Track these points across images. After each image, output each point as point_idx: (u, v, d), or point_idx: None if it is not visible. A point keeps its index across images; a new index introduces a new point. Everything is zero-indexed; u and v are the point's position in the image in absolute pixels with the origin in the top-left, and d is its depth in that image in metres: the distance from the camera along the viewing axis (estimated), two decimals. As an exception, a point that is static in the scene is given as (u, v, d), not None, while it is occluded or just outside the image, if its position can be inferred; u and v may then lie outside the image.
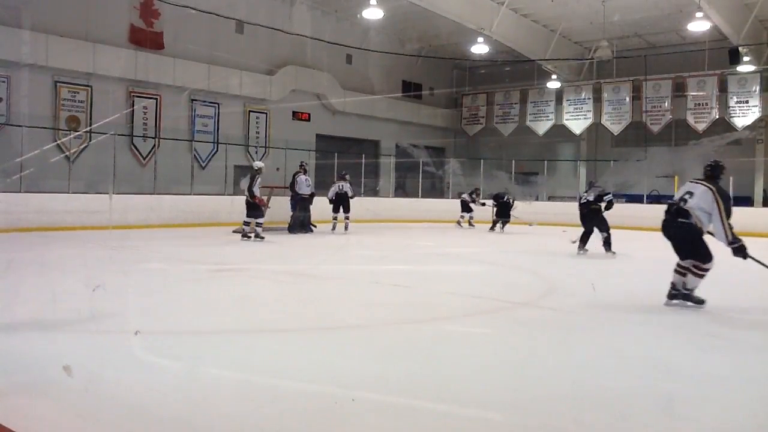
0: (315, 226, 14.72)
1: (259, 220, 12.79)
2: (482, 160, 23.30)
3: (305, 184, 14.34)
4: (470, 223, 18.83)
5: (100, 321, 5.15)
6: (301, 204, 14.39)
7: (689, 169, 23.49)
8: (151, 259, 9.83)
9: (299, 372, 4.01)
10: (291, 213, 14.48)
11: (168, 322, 5.38)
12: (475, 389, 3.78)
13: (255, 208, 12.74)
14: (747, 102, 21.78)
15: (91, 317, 5.26)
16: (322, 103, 23.12)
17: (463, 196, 19.00)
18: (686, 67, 22.83)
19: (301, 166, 14.81)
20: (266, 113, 21.41)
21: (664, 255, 9.45)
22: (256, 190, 12.73)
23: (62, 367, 3.73)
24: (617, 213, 19.15)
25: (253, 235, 12.62)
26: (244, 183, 13.01)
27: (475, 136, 28.36)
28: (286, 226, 14.42)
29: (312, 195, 14.57)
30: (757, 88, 21.62)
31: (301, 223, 14.42)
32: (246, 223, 12.81)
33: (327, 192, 15.43)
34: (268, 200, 14.66)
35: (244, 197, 12.88)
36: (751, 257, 5.94)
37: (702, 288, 6.32)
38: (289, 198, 14.59)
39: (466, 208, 18.76)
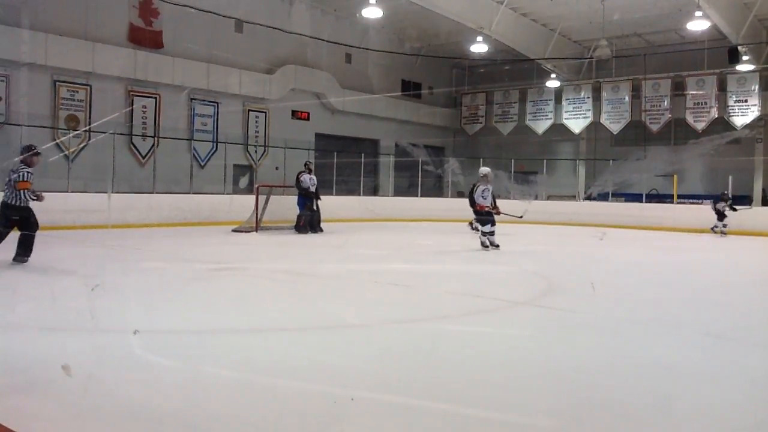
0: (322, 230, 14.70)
1: (485, 228, 11.60)
2: (481, 159, 23.25)
3: (310, 182, 14.43)
4: (722, 232, 16.94)
5: (99, 320, 5.14)
6: (308, 204, 14.43)
7: (689, 168, 23.64)
8: (150, 258, 9.82)
9: (298, 371, 4.01)
10: (298, 212, 14.48)
11: (167, 322, 5.37)
12: (475, 388, 3.77)
13: (482, 215, 11.62)
14: (746, 101, 21.77)
15: (90, 316, 5.25)
16: (322, 102, 23.10)
17: (718, 206, 17.28)
18: (685, 66, 22.83)
19: (306, 165, 14.85)
20: (265, 112, 21.39)
21: (664, 254, 9.46)
22: (479, 198, 11.53)
23: (61, 367, 3.73)
24: (616, 212, 19.29)
25: (488, 244, 11.86)
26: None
27: (474, 135, 28.35)
28: (291, 225, 14.40)
29: (317, 192, 14.58)
30: (756, 87, 21.61)
31: (309, 223, 14.42)
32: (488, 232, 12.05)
33: (332, 191, 15.44)
34: (267, 200, 14.65)
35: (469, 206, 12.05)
36: None
37: (703, 288, 6.32)
38: (297, 197, 14.59)
39: (721, 216, 17.25)
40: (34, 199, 8.01)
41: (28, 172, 7.92)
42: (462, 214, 20.79)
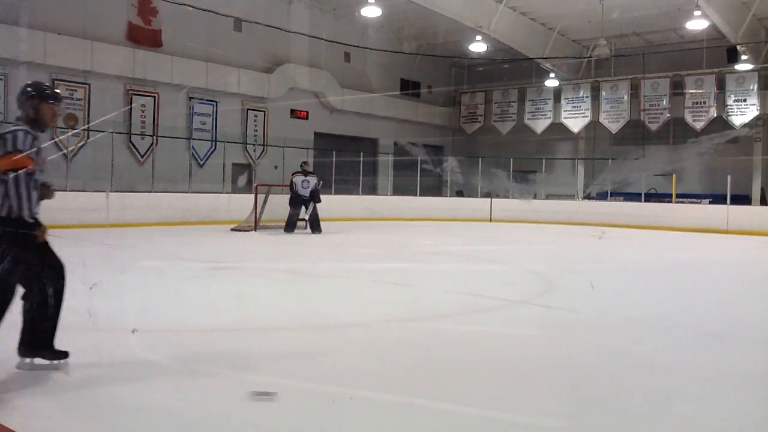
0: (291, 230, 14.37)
1: None
2: (480, 159, 23.29)
3: (301, 186, 14.04)
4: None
5: (98, 319, 5.13)
6: (295, 203, 14.16)
7: (687, 167, 23.73)
8: (148, 258, 9.81)
9: (297, 370, 4.00)
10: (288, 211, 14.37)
11: (165, 321, 5.37)
12: (473, 387, 3.77)
13: None
14: (745, 100, 21.79)
15: (89, 315, 5.24)
16: (320, 101, 23.09)
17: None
18: (684, 65, 22.84)
19: (301, 166, 14.44)
20: (264, 111, 21.37)
21: (662, 253, 9.47)
22: None
23: (59, 365, 3.72)
24: (615, 211, 19.29)
25: None
26: None
27: (473, 134, 28.36)
28: (283, 225, 14.34)
29: (313, 194, 14.14)
30: (755, 87, 21.63)
31: (291, 222, 14.17)
32: None
33: (331, 190, 15.12)
34: (266, 199, 14.60)
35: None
36: None
37: (703, 288, 6.32)
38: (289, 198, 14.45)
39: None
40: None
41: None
42: (460, 213, 20.87)
